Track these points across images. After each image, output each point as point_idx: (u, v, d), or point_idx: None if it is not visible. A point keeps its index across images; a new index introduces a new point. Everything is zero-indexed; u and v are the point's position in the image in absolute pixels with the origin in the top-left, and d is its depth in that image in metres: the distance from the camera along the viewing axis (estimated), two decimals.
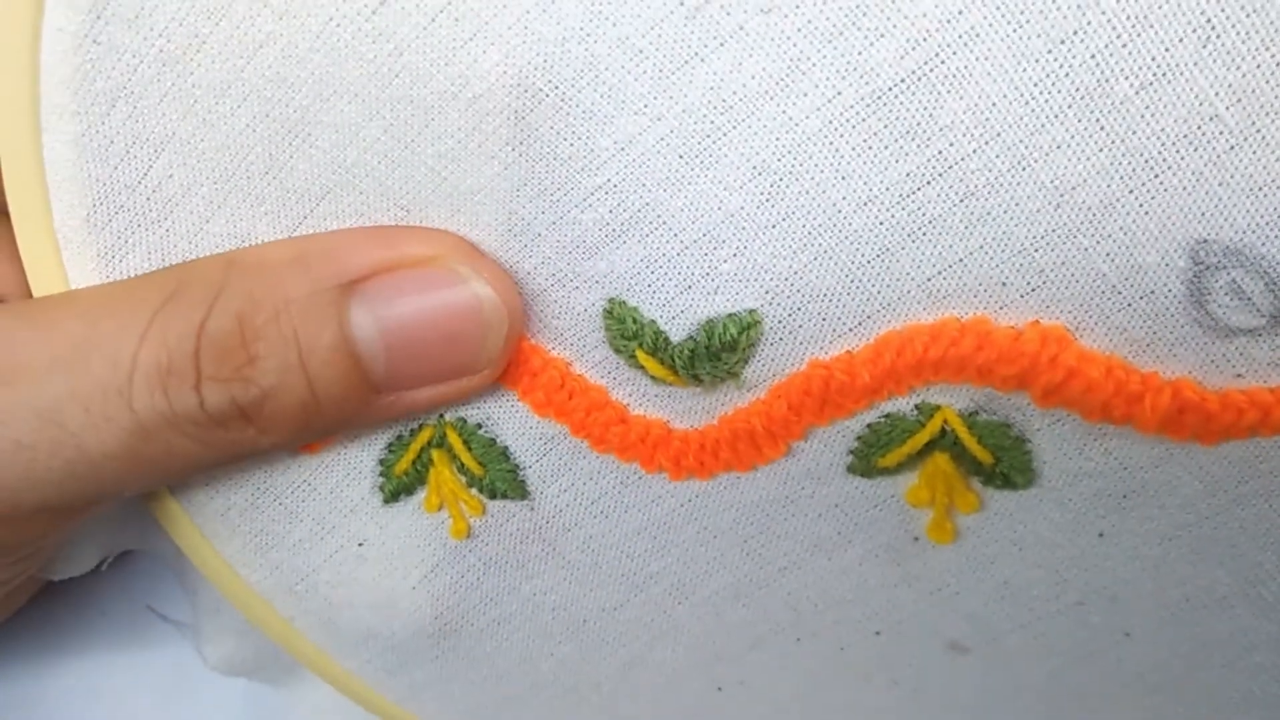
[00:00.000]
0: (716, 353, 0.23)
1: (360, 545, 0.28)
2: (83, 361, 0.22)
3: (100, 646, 0.34)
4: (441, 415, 0.26)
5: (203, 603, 0.31)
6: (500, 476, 0.26)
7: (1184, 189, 0.20)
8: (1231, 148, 0.19)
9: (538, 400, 0.25)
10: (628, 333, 0.23)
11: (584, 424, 0.25)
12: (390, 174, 0.23)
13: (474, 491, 0.27)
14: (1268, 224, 0.20)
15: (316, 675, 0.31)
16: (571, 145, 0.22)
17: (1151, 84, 0.19)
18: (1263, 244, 0.20)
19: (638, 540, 0.27)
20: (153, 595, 0.34)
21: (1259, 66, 0.19)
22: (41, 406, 0.22)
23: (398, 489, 0.27)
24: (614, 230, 0.23)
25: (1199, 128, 0.19)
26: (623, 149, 0.22)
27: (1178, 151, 0.20)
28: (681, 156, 0.21)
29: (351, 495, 0.27)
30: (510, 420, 0.26)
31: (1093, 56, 0.19)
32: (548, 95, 0.21)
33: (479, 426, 0.26)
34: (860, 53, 0.20)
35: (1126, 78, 0.19)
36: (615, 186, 0.22)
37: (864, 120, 0.20)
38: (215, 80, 0.22)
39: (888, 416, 0.23)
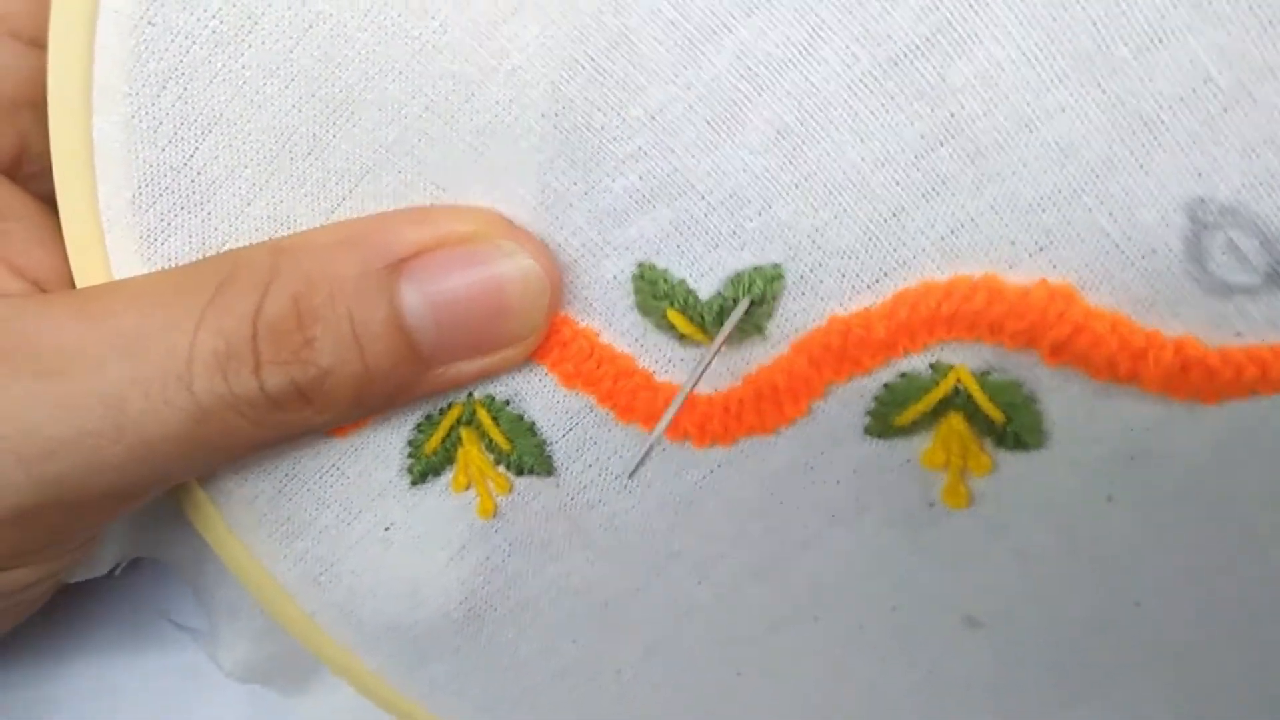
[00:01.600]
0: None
1: (387, 529, 0.28)
2: (141, 349, 0.23)
3: (109, 651, 0.34)
4: (470, 393, 0.27)
5: (219, 606, 0.32)
6: (528, 451, 0.27)
7: (1181, 149, 0.21)
8: (1225, 109, 0.21)
9: (566, 371, 0.26)
10: (659, 293, 0.24)
11: (611, 392, 0.26)
12: (429, 152, 0.24)
13: (501, 469, 0.27)
14: (1260, 183, 0.21)
15: (336, 673, 0.31)
16: (604, 115, 0.23)
17: (1149, 48, 0.21)
18: (1256, 202, 0.21)
19: (660, 516, 0.28)
20: (165, 603, 0.34)
21: (1248, 30, 0.20)
22: (104, 394, 0.23)
23: (426, 469, 0.28)
24: (644, 196, 0.24)
25: (1194, 90, 0.21)
26: (653, 117, 0.23)
27: (1174, 113, 0.21)
28: (709, 122, 0.23)
29: (379, 478, 0.28)
30: (538, 395, 0.26)
31: (1093, 22, 0.21)
32: (584, 66, 0.23)
33: (507, 403, 0.27)
34: (877, 19, 0.21)
35: (1125, 42, 0.21)
36: (646, 154, 0.23)
37: (881, 84, 0.22)
38: (265, 60, 0.23)
39: (904, 375, 0.24)
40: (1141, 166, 0.22)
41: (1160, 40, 0.21)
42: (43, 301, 0.24)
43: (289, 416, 0.24)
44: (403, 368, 0.24)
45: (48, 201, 0.25)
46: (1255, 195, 0.21)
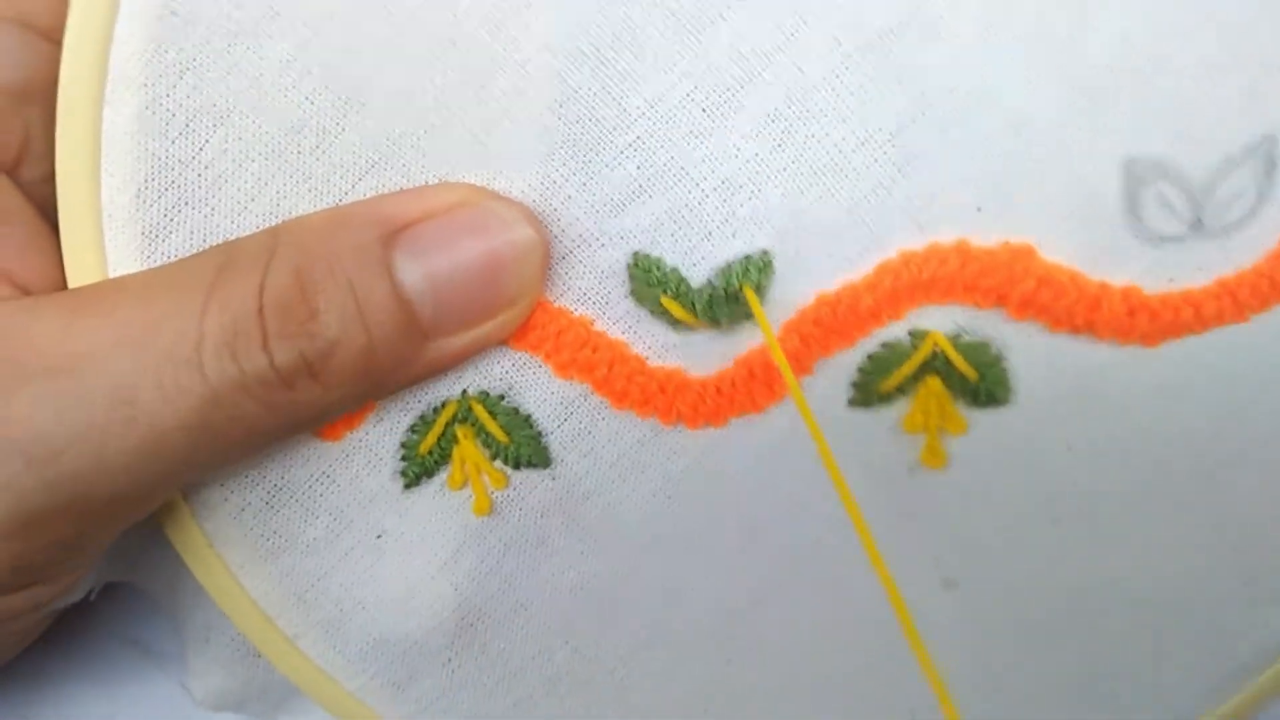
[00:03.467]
0: (735, 295, 0.26)
1: (379, 537, 0.28)
2: (149, 338, 0.23)
3: (92, 682, 0.33)
4: (465, 390, 0.27)
5: (191, 633, 0.30)
6: (525, 443, 0.27)
7: (1114, 112, 0.25)
8: (1149, 74, 0.24)
9: (562, 361, 0.27)
10: (653, 281, 0.26)
11: (606, 380, 0.27)
12: (433, 144, 0.25)
13: (498, 464, 0.28)
14: (1181, 139, 0.25)
15: (315, 701, 0.30)
16: (606, 105, 0.25)
17: (1083, 21, 0.24)
18: (1179, 157, 0.25)
19: (654, 501, 0.28)
20: (142, 630, 0.33)
21: (1164, 1, 0.24)
22: (113, 386, 0.22)
23: (420, 471, 0.28)
24: (640, 186, 0.25)
25: (1122, 58, 0.24)
26: (652, 106, 0.25)
27: (1106, 79, 0.24)
28: (704, 110, 0.25)
29: (371, 484, 0.28)
30: (533, 387, 0.27)
31: (1036, 2, 0.24)
32: (589, 57, 0.24)
33: (502, 397, 0.27)
34: (857, 5, 0.24)
35: (1064, 18, 0.24)
36: (644, 143, 0.25)
37: (860, 66, 0.24)
38: (282, 51, 0.24)
39: (885, 345, 0.27)
40: (1082, 130, 0.25)
41: (1093, 14, 0.24)
42: (40, 303, 0.24)
43: (299, 396, 0.24)
44: (404, 338, 0.24)
45: (44, 206, 0.25)
46: (1178, 151, 0.25)
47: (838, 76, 0.25)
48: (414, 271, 0.24)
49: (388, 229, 0.24)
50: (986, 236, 0.26)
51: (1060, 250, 0.26)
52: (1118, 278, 0.26)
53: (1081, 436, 0.27)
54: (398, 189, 0.26)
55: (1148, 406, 0.27)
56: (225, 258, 0.24)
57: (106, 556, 0.29)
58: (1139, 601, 0.29)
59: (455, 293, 0.25)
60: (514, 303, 0.26)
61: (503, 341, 0.27)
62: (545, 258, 0.26)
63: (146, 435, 0.23)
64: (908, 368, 0.26)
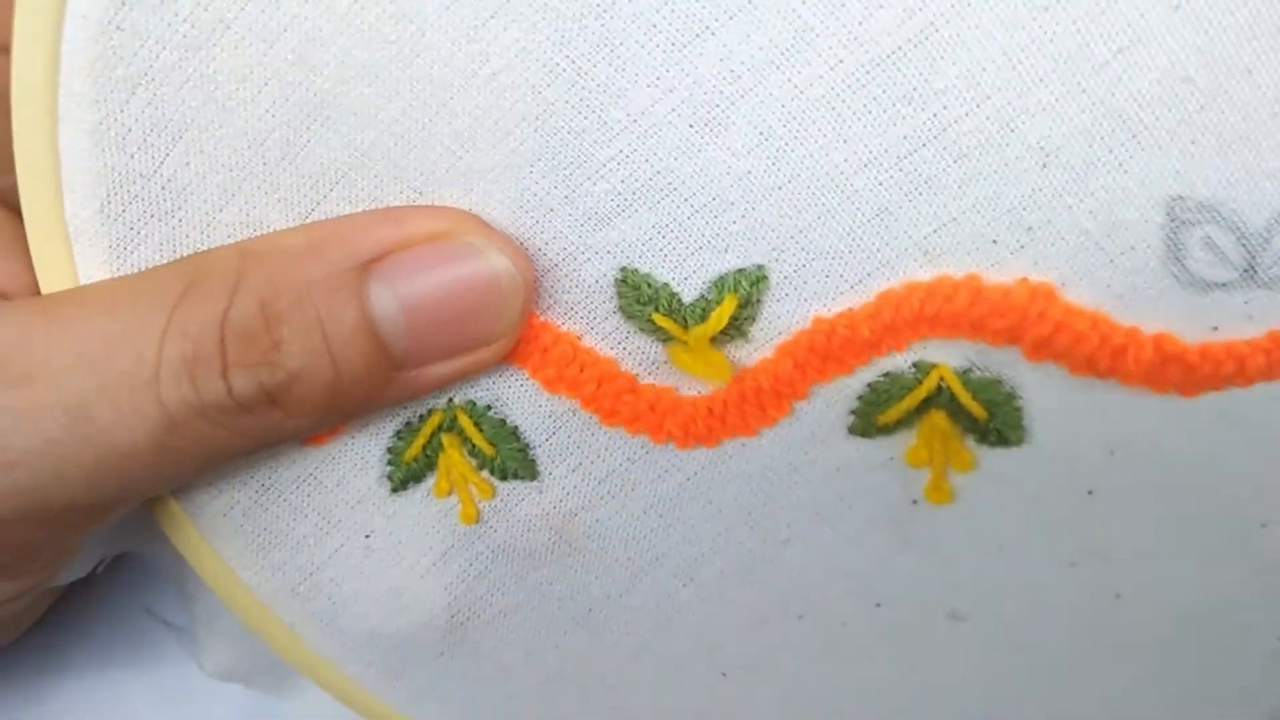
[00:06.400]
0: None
1: (367, 537, 0.28)
2: (107, 357, 0.22)
3: (101, 652, 0.34)
4: (450, 399, 0.26)
5: (200, 608, 0.31)
6: (511, 456, 0.27)
7: (1159, 147, 0.22)
8: (1202, 107, 0.21)
9: (549, 376, 0.26)
10: (643, 298, 0.24)
11: (595, 396, 0.26)
12: (406, 155, 0.24)
13: (485, 474, 0.27)
14: (1237, 180, 0.22)
15: (316, 684, 0.31)
16: (585, 119, 0.23)
17: (1128, 48, 0.21)
18: (1233, 199, 0.22)
19: (644, 520, 0.27)
20: (152, 598, 0.34)
21: (1225, 30, 0.20)
22: (69, 404, 0.22)
23: (406, 476, 0.27)
24: (626, 200, 0.24)
25: (1172, 89, 0.21)
26: (635, 120, 0.23)
27: (1153, 112, 0.21)
28: (692, 125, 0.23)
29: (358, 486, 0.27)
30: (520, 399, 0.26)
31: (1074, 22, 0.21)
32: (565, 70, 0.22)
33: (489, 408, 0.26)
34: (861, 22, 0.21)
35: (1105, 42, 0.21)
36: (628, 157, 0.23)
37: (865, 86, 0.22)
38: (237, 65, 0.23)
39: (887, 375, 0.25)
40: (1121, 165, 0.22)
41: (1140, 40, 0.21)
42: (4, 309, 0.23)
43: (259, 421, 0.23)
44: (374, 371, 0.24)
45: (16, 211, 0.25)
46: (1231, 192, 0.22)
47: (839, 96, 0.22)
48: (388, 304, 0.23)
49: (363, 256, 0.23)
50: (1003, 270, 0.23)
51: (1087, 290, 0.23)
52: (1152, 323, 0.23)
53: (1104, 483, 0.25)
54: (371, 199, 0.24)
55: (1181, 458, 0.25)
56: (191, 277, 0.23)
57: (116, 529, 0.30)
58: (1162, 649, 0.28)
59: (430, 328, 0.24)
60: (492, 340, 0.24)
61: (482, 373, 0.25)
62: (530, 294, 0.24)
63: (104, 453, 0.22)
64: (909, 401, 0.24)
